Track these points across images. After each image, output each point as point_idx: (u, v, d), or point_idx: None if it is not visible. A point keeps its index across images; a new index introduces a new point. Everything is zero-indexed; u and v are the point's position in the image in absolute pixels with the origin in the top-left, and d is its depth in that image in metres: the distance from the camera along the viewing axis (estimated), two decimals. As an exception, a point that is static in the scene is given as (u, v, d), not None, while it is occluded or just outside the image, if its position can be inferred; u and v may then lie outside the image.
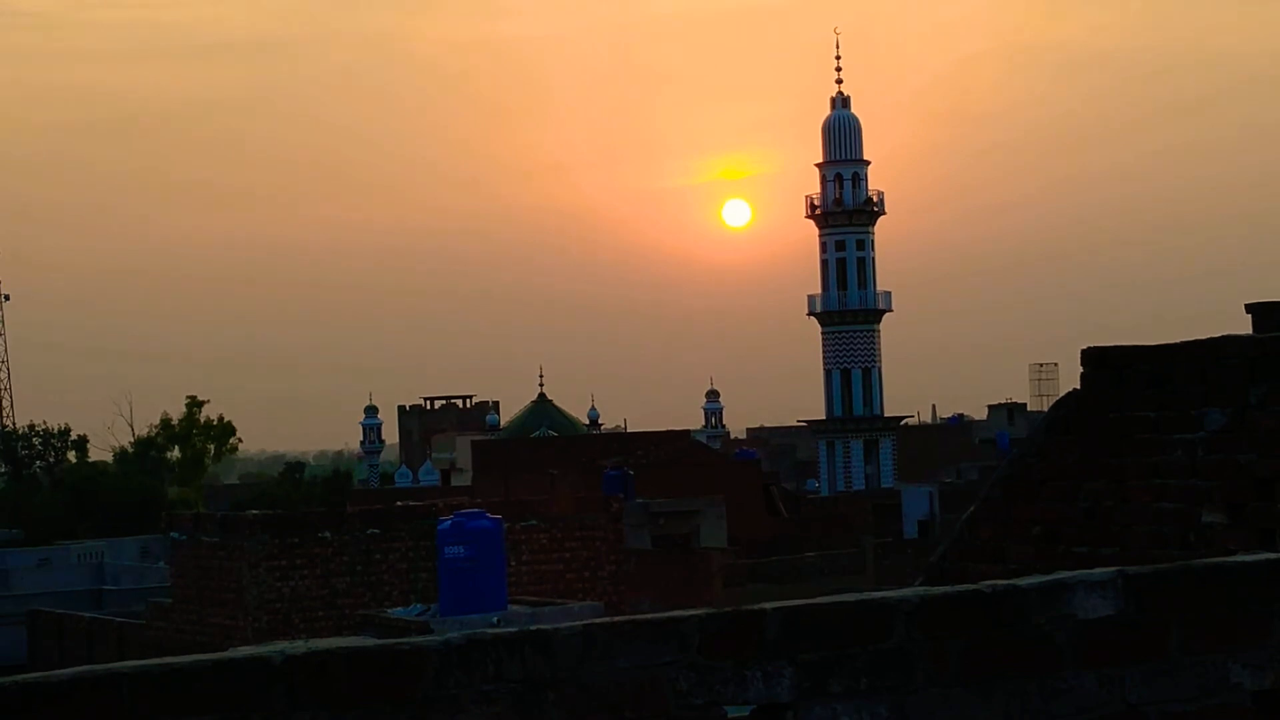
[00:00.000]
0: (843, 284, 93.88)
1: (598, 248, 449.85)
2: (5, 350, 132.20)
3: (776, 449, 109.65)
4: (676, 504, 48.44)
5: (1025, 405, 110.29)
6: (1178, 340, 7.90)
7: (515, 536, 30.78)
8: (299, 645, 3.96)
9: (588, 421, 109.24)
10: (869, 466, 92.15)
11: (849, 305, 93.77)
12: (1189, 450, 7.68)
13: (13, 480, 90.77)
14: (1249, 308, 9.22)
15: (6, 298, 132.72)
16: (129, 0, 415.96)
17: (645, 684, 4.10)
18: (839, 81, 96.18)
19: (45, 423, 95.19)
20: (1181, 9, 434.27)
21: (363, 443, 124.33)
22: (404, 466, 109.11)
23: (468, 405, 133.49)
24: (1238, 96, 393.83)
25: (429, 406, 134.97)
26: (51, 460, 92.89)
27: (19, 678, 3.71)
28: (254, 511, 37.57)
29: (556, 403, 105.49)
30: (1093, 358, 8.22)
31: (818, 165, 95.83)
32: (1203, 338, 7.77)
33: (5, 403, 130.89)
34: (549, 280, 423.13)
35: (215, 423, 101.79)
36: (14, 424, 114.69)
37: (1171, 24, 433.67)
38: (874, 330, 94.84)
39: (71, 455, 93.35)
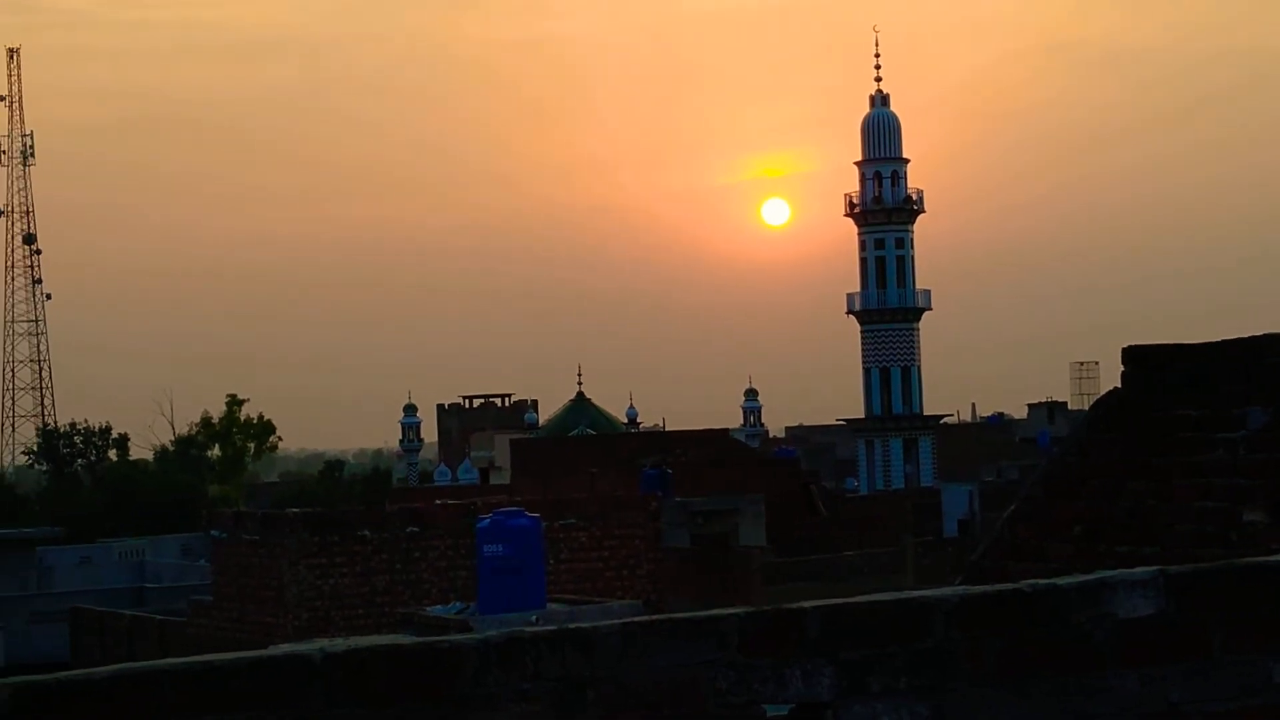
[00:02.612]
0: (882, 282, 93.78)
1: (636, 246, 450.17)
2: (47, 349, 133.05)
3: (815, 447, 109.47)
4: (715, 502, 48.43)
5: (1066, 404, 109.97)
6: (1220, 338, 7.87)
7: (554, 535, 30.79)
8: (338, 643, 3.97)
9: (626, 420, 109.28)
10: (908, 465, 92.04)
11: (888, 304, 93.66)
12: (1231, 449, 7.64)
13: (54, 478, 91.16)
14: (1291, 306, 9.16)
15: (48, 297, 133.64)
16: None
17: (684, 683, 4.09)
18: (878, 79, 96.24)
19: (86, 421, 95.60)
20: (1238, 13, 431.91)
21: (402, 441, 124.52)
22: (443, 465, 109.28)
23: (506, 404, 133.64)
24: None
25: (468, 405, 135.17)
26: (92, 458, 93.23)
27: (61, 675, 3.72)
28: (294, 510, 37.68)
29: (595, 401, 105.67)
30: (1134, 356, 8.18)
31: (857, 163, 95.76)
32: (1245, 335, 7.73)
33: (47, 401, 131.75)
34: (588, 278, 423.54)
35: (255, 421, 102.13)
36: (55, 422, 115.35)
37: (1211, 17, 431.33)
38: (913, 328, 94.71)
39: (112, 453, 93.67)
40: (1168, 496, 7.92)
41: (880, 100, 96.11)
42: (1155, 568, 4.66)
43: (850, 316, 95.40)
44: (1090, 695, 4.47)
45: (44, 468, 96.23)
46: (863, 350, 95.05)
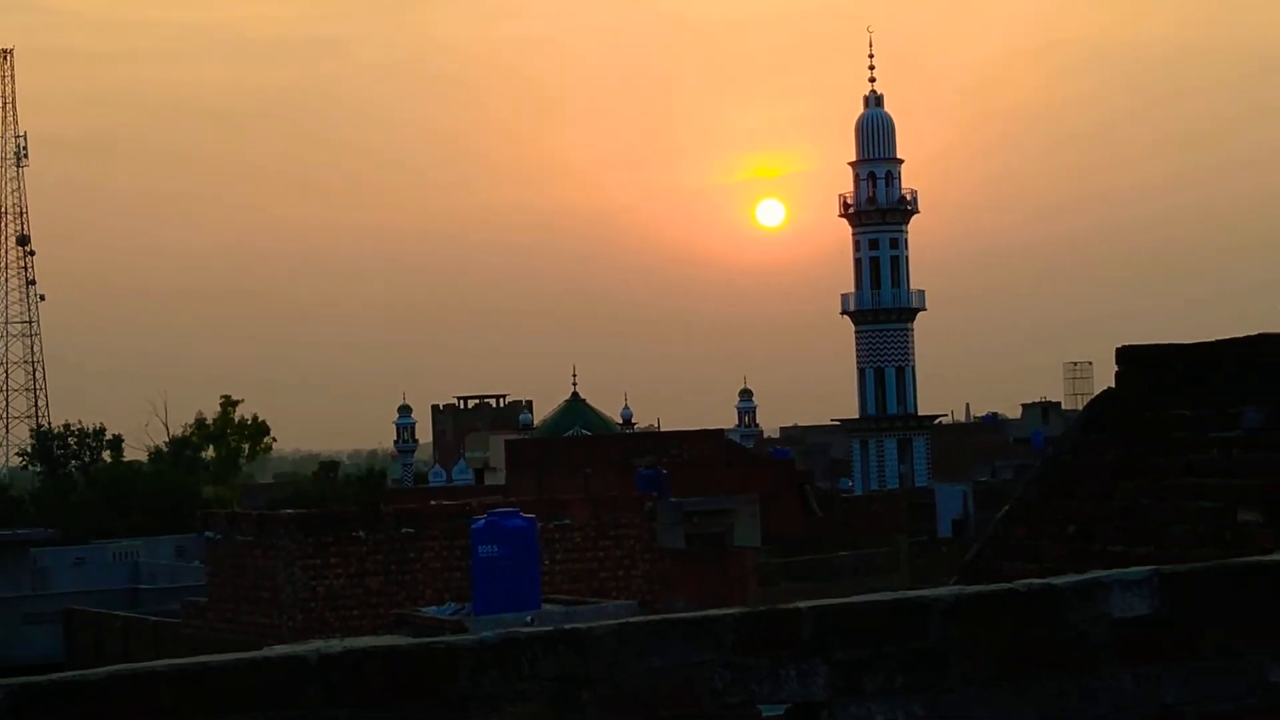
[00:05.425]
0: (876, 283, 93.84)
1: (630, 247, 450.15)
2: (40, 350, 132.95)
3: (810, 448, 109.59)
4: (710, 503, 48.45)
5: (1060, 404, 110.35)
6: (1214, 338, 7.87)
7: (549, 535, 30.80)
8: (334, 644, 3.97)
9: (621, 421, 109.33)
10: (903, 465, 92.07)
11: (882, 304, 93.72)
12: (1225, 449, 7.64)
13: (48, 480, 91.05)
14: (1286, 305, 9.17)
15: (42, 298, 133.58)
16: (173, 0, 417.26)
17: (680, 683, 4.09)
18: (872, 80, 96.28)
19: (80, 422, 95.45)
20: (1232, 12, 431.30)
21: (396, 442, 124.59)
22: (438, 466, 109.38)
23: (501, 404, 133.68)
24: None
25: (462, 406, 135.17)
26: (87, 460, 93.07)
27: (56, 676, 3.72)
28: (289, 510, 37.69)
29: (590, 402, 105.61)
30: (1128, 356, 8.18)
31: (851, 164, 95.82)
32: (1240, 335, 7.73)
33: (40, 403, 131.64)
34: (582, 280, 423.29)
35: (249, 422, 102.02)
36: (49, 423, 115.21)
37: (1205, 12, 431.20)
38: (907, 329, 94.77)
39: (106, 455, 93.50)
40: (1162, 496, 7.92)
41: (874, 101, 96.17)
42: (1150, 568, 4.66)
43: (844, 317, 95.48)
44: (1086, 695, 4.47)
45: (38, 469, 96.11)
46: (857, 350, 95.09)
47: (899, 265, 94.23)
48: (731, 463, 60.39)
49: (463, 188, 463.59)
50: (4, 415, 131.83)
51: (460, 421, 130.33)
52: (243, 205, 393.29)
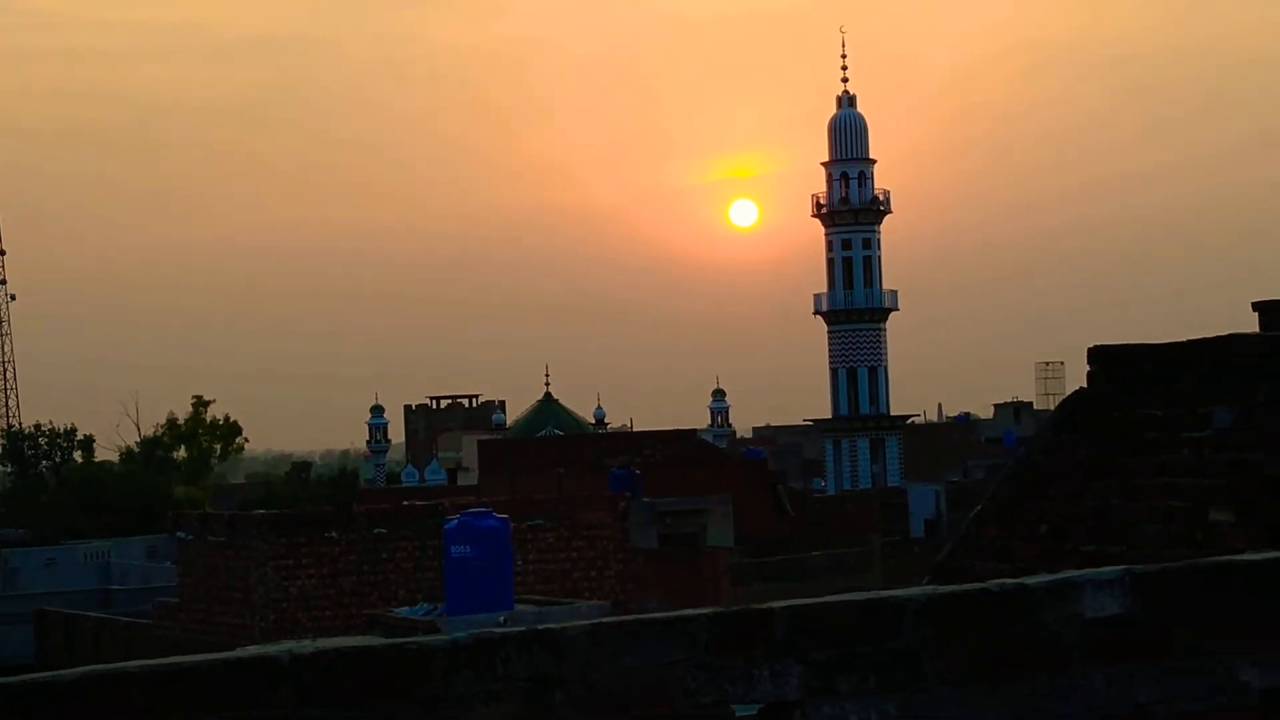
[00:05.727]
0: (849, 283, 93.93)
1: (604, 247, 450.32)
2: (11, 350, 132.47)
3: (783, 448, 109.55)
4: (683, 503, 48.43)
5: (1031, 404, 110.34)
6: (1185, 338, 7.89)
7: (522, 535, 30.76)
8: (306, 645, 3.96)
9: (594, 420, 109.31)
10: (875, 465, 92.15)
11: (855, 304, 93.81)
12: (1196, 448, 7.66)
13: (19, 479, 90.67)
14: (1256, 306, 9.20)
15: (13, 297, 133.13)
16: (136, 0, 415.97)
17: (653, 683, 4.09)
18: (845, 80, 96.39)
19: (51, 422, 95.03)
20: (1203, 11, 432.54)
21: (369, 442, 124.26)
22: (410, 466, 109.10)
23: (474, 404, 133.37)
24: (1257, 101, 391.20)
25: (435, 406, 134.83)
26: (58, 460, 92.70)
27: (27, 677, 3.71)
28: (261, 511, 37.61)
29: (563, 402, 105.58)
30: (1100, 356, 8.20)
31: (824, 164, 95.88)
32: (1210, 335, 7.75)
33: (12, 402, 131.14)
34: (555, 280, 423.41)
35: (221, 422, 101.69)
36: (20, 423, 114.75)
37: (1189, 27, 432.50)
38: (880, 329, 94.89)
39: (78, 455, 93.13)
40: (1133, 496, 7.94)
41: (847, 101, 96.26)
42: (1122, 567, 4.67)
43: (817, 317, 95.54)
44: (1059, 695, 4.48)
45: (9, 469, 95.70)
46: (830, 351, 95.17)
47: (871, 265, 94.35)
48: (704, 463, 60.36)
49: (438, 187, 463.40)
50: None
51: (433, 421, 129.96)
52: (218, 204, 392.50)
